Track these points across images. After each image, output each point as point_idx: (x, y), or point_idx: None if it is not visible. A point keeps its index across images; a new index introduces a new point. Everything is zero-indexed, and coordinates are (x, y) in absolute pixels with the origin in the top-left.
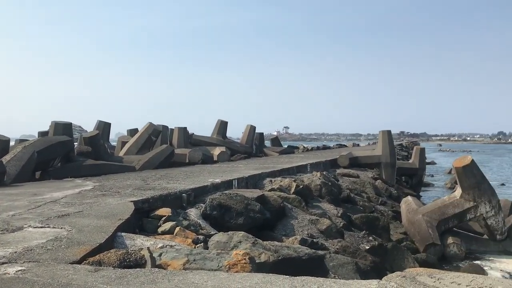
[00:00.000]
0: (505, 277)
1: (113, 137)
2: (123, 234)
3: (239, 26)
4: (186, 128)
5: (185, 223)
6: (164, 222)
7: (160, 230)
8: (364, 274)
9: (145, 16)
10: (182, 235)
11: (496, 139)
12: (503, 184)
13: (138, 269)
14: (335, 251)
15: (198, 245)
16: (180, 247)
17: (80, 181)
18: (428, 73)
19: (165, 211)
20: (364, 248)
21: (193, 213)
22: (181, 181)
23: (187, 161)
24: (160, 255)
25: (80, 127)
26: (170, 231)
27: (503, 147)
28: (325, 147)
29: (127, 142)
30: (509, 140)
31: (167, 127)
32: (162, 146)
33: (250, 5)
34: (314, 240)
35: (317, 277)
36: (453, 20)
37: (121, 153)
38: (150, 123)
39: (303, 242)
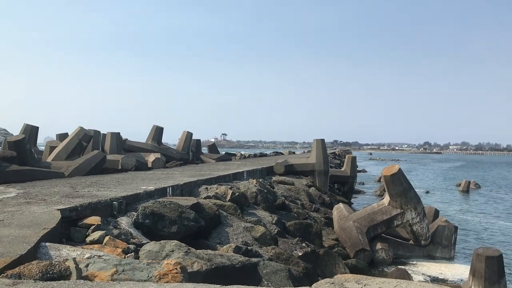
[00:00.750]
0: (427, 281)
1: (41, 141)
2: (47, 244)
3: (165, 31)
4: (119, 133)
5: (115, 232)
6: (93, 231)
7: (88, 239)
8: (297, 281)
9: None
10: (112, 245)
11: (422, 149)
12: (427, 192)
13: (61, 281)
14: (269, 258)
15: (128, 255)
16: (108, 257)
17: (2, 188)
18: (360, 85)
19: (94, 220)
20: (297, 254)
21: (125, 222)
22: (112, 188)
23: (119, 167)
24: (86, 266)
25: (5, 130)
26: (99, 241)
27: (428, 157)
28: (262, 155)
29: (56, 147)
30: (434, 150)
31: (99, 132)
32: (93, 151)
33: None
34: (249, 247)
35: (250, 285)
36: (378, 35)
37: (49, 159)
38: (81, 127)
39: (237, 250)
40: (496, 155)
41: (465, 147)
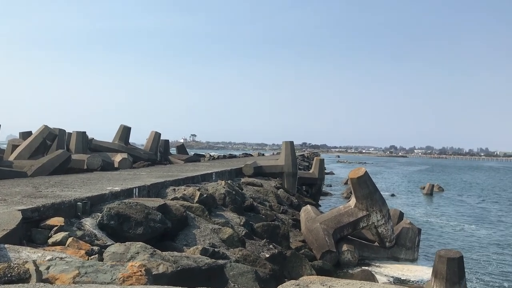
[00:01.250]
0: (391, 282)
1: (4, 139)
2: (6, 246)
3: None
4: (85, 132)
5: (79, 233)
6: (55, 233)
7: (51, 241)
8: (264, 282)
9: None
10: (75, 246)
11: (388, 152)
12: (393, 195)
13: (20, 284)
14: (236, 260)
15: (92, 257)
16: (71, 259)
17: None
18: (330, 89)
19: (57, 221)
20: (264, 256)
21: (89, 223)
22: (77, 188)
23: (85, 167)
24: (47, 268)
25: None
26: (62, 242)
27: (394, 160)
28: (231, 156)
29: (18, 145)
30: (400, 154)
31: (64, 130)
32: (57, 151)
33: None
34: (216, 249)
35: (216, 287)
36: (346, 38)
37: (11, 158)
38: (45, 125)
39: (204, 252)
40: (459, 159)
41: (429, 151)
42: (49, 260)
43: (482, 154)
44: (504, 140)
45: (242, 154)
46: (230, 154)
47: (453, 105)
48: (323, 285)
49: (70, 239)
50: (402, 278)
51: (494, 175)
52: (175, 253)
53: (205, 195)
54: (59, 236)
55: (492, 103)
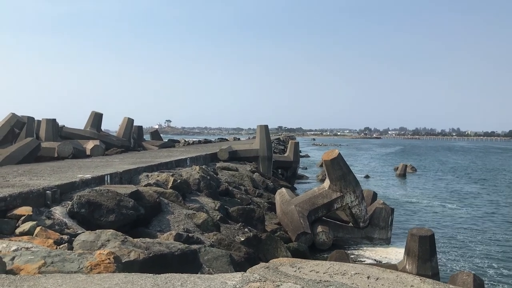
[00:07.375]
0: (366, 263)
1: None
2: None
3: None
4: (55, 119)
5: (48, 222)
6: (23, 222)
7: (18, 231)
8: (238, 266)
9: None
10: (43, 236)
11: (362, 134)
12: (367, 176)
13: None
14: (210, 245)
15: (61, 246)
16: (37, 249)
17: None
18: (304, 72)
19: (25, 210)
20: (240, 240)
21: (59, 212)
22: (46, 177)
23: (56, 155)
24: (12, 259)
25: None
26: (30, 232)
27: (368, 142)
28: (206, 141)
29: None
30: (374, 135)
31: (33, 118)
32: (26, 139)
33: None
34: (190, 234)
35: (190, 272)
36: (318, 22)
37: None
38: (13, 113)
39: (178, 237)
40: (431, 139)
41: (403, 132)
42: (14, 250)
43: (454, 134)
44: (475, 120)
45: (218, 139)
46: (205, 139)
47: (426, 86)
48: (293, 267)
49: (38, 229)
50: (377, 259)
51: (466, 156)
52: (147, 240)
53: (179, 181)
54: (26, 225)
55: (464, 84)
